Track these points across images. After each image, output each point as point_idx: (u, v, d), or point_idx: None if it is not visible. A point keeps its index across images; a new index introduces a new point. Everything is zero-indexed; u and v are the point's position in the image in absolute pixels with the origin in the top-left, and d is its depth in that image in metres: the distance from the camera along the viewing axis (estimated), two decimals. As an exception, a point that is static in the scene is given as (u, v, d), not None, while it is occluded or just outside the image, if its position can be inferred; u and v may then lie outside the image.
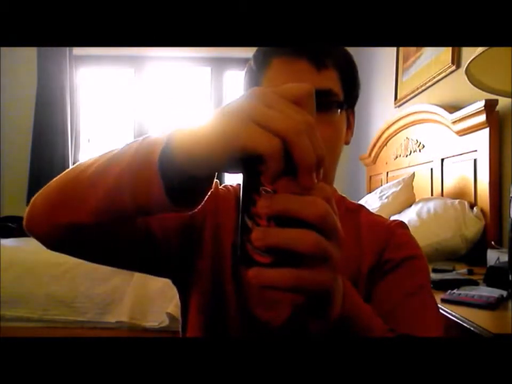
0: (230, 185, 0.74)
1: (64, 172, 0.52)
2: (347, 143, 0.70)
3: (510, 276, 1.03)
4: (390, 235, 0.69)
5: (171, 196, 0.41)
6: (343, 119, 0.66)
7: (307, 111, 0.35)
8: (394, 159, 2.56)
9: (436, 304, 0.65)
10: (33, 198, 0.53)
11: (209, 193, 0.44)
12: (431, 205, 1.78)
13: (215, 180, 0.72)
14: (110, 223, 0.48)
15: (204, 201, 0.45)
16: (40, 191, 0.53)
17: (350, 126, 0.71)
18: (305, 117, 0.33)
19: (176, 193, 0.41)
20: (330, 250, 0.34)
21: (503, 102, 1.55)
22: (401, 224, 0.72)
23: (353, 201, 0.77)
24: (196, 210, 0.44)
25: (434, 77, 2.15)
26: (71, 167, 0.52)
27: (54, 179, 0.53)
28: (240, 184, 0.73)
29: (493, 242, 1.46)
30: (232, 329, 0.65)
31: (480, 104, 1.58)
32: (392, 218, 0.95)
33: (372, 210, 0.77)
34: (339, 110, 0.64)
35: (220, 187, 0.72)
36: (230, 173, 0.39)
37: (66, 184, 0.51)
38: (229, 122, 0.34)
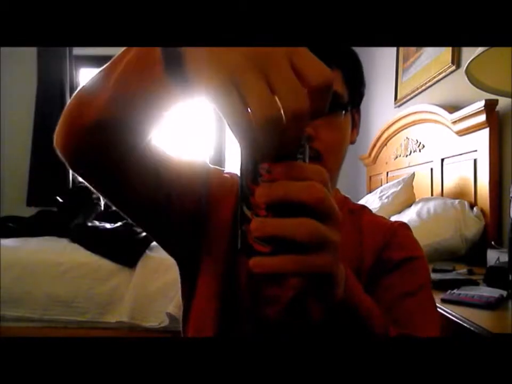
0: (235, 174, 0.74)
1: None
2: (352, 142, 0.70)
3: (510, 276, 1.03)
4: (391, 235, 0.69)
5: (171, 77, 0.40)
6: (347, 120, 0.66)
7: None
8: (394, 159, 2.56)
9: (435, 305, 0.66)
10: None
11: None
12: (431, 205, 1.78)
13: (219, 168, 0.72)
14: (123, 117, 0.46)
15: None
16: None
17: (355, 125, 0.71)
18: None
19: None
20: (328, 235, 0.34)
21: (503, 102, 1.55)
22: (404, 225, 0.72)
23: (356, 203, 0.77)
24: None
25: (434, 77, 2.15)
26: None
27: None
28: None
29: (493, 242, 1.46)
30: (234, 326, 0.65)
31: (480, 104, 1.58)
32: (392, 218, 0.95)
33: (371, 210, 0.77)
34: (343, 112, 0.64)
35: (225, 174, 0.72)
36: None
37: (84, 90, 0.49)
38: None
